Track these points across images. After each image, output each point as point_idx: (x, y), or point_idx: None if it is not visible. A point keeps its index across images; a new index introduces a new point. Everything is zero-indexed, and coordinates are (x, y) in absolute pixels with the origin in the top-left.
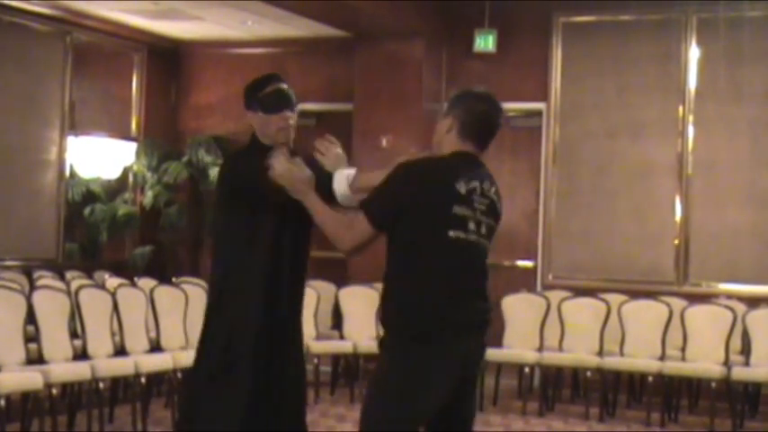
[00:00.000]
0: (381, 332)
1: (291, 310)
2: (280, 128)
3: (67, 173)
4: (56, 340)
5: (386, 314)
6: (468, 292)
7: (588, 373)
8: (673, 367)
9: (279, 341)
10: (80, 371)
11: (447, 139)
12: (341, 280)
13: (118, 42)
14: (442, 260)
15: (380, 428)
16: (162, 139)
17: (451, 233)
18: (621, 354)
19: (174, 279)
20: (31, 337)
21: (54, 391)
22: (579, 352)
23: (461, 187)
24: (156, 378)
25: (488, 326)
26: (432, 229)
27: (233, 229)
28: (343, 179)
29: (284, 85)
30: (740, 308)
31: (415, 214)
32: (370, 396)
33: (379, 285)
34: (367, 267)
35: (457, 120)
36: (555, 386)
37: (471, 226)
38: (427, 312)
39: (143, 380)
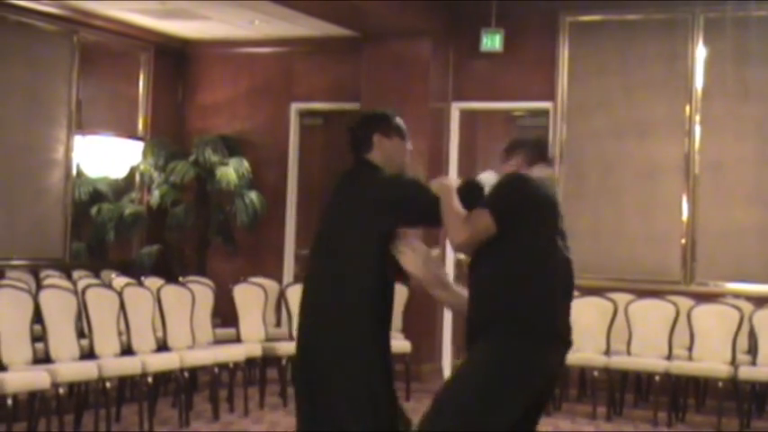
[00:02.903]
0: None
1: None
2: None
3: (74, 172)
4: (63, 340)
5: (495, 310)
6: (568, 306)
7: (595, 373)
8: (680, 366)
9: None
10: (87, 370)
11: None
12: None
13: (125, 42)
14: (557, 268)
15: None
16: (169, 138)
17: (560, 243)
18: (628, 353)
19: (180, 278)
20: (38, 336)
21: (61, 390)
22: (586, 351)
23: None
24: (163, 377)
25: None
26: (548, 238)
27: (373, 262)
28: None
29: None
30: (747, 307)
31: (534, 221)
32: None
33: None
34: None
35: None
36: (562, 385)
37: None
38: (546, 314)
39: (150, 379)
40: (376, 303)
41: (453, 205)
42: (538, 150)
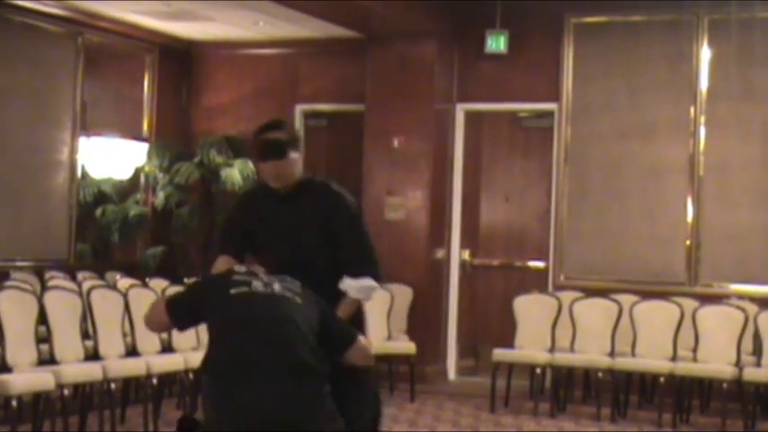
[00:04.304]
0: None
1: None
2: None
3: (79, 173)
4: (67, 341)
5: None
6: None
7: (600, 374)
8: (684, 368)
9: None
10: (92, 371)
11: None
12: None
13: (129, 43)
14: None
15: None
16: (173, 139)
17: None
18: (633, 354)
19: (185, 280)
20: (43, 337)
21: (66, 391)
22: (591, 353)
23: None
24: (168, 379)
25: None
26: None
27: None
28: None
29: (273, 135)
30: (752, 308)
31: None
32: None
33: None
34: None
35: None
36: (566, 387)
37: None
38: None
39: (154, 380)
40: None
41: None
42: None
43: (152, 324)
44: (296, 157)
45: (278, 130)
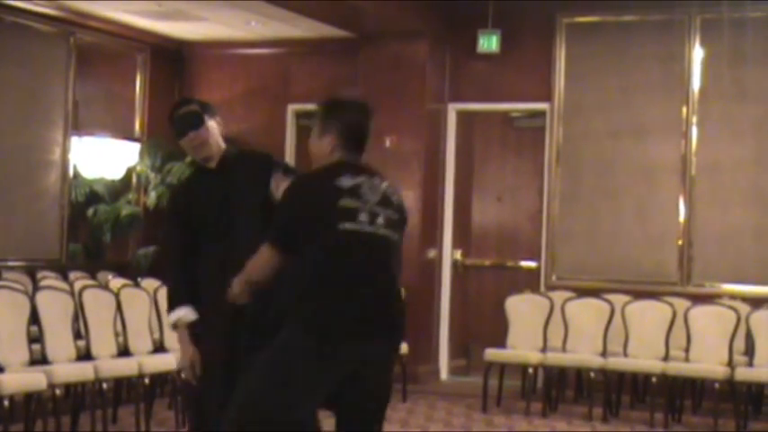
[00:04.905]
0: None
1: None
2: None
3: (71, 173)
4: (59, 341)
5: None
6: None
7: (592, 374)
8: (676, 368)
9: None
10: (83, 371)
11: (329, 159)
12: None
13: (121, 43)
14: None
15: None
16: (165, 139)
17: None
18: (625, 354)
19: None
20: (35, 337)
21: (57, 391)
22: (583, 352)
23: (346, 183)
24: (160, 378)
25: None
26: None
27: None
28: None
29: (185, 109)
30: (744, 308)
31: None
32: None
33: None
34: None
35: (336, 137)
36: (558, 387)
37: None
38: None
39: (146, 380)
40: None
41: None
42: (355, 136)
43: (263, 273)
44: (212, 124)
45: (190, 104)
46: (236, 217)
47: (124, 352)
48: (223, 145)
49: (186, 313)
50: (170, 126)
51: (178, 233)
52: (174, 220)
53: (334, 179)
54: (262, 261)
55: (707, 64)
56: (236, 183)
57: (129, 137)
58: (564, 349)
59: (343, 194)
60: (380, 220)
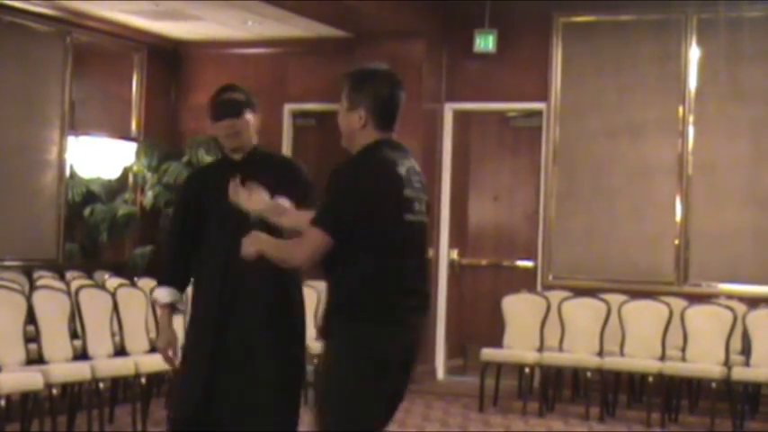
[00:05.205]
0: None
1: None
2: (226, 135)
3: (67, 173)
4: (56, 340)
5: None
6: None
7: (588, 374)
8: (673, 367)
9: None
10: (80, 371)
11: (362, 134)
12: None
13: (118, 42)
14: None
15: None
16: (162, 139)
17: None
18: (622, 354)
19: None
20: (32, 337)
21: (54, 391)
22: (579, 352)
23: (402, 170)
24: (156, 378)
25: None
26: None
27: None
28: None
29: (229, 95)
30: (740, 308)
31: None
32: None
33: None
34: None
35: (367, 111)
36: (555, 386)
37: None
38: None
39: (143, 380)
40: None
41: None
42: (389, 111)
43: (304, 258)
44: (251, 118)
45: (235, 91)
46: (248, 213)
47: (121, 352)
48: (255, 141)
49: (164, 294)
50: (209, 108)
51: (182, 215)
52: (183, 202)
53: (393, 167)
54: (309, 244)
55: (703, 64)
56: (258, 180)
57: (126, 136)
58: (561, 349)
59: (404, 184)
60: (424, 206)
